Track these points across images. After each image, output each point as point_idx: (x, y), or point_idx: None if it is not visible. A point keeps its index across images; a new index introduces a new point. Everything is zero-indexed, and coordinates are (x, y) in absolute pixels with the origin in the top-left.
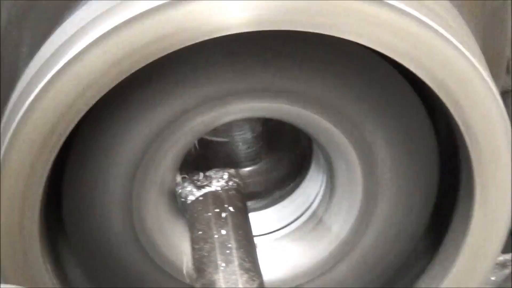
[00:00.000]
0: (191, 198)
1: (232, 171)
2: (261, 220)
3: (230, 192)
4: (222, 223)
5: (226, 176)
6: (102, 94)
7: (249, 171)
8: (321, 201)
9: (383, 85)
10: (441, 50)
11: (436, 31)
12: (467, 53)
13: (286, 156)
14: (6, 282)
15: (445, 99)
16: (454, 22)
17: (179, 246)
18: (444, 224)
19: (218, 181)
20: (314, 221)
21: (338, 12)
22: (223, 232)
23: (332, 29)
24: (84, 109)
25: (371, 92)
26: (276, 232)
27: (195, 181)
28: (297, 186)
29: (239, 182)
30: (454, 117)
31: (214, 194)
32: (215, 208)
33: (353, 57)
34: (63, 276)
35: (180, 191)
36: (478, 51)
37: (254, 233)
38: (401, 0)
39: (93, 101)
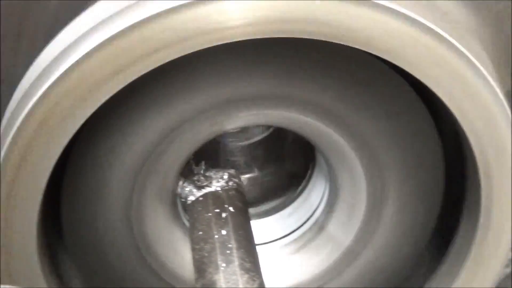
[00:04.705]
0: (191, 198)
1: (232, 171)
2: (263, 228)
3: (230, 192)
4: (222, 223)
5: (226, 176)
6: (104, 99)
7: (251, 178)
8: (324, 209)
9: (388, 92)
10: (445, 56)
11: (440, 37)
12: (472, 57)
13: (288, 163)
14: (5, 283)
15: (450, 105)
16: (456, 24)
17: (179, 253)
18: (450, 227)
19: (218, 181)
20: (318, 229)
21: (345, 20)
22: (224, 232)
23: (337, 38)
24: (85, 115)
25: (375, 99)
26: (279, 241)
27: (195, 182)
28: (300, 193)
29: (239, 182)
30: (458, 121)
31: (214, 194)
32: (215, 208)
33: (356, 63)
34: (60, 278)
35: (180, 191)
36: (483, 54)
37: (257, 241)
38: (400, 3)
39: (95, 107)
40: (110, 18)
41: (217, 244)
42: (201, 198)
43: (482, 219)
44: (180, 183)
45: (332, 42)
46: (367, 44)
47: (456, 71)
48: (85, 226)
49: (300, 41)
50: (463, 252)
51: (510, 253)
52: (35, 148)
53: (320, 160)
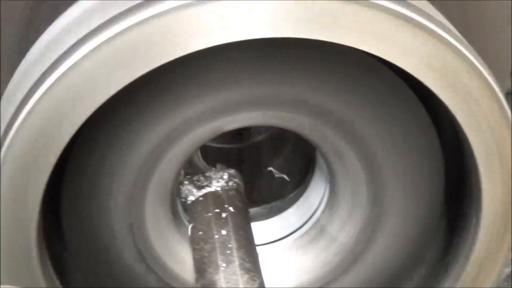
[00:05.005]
0: (191, 198)
1: (232, 171)
2: (264, 229)
3: (230, 192)
4: (222, 223)
5: (226, 176)
6: (104, 100)
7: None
8: (324, 209)
9: (387, 93)
10: (445, 56)
11: (440, 37)
12: (471, 57)
13: (288, 164)
14: (5, 283)
15: (449, 105)
16: (448, 23)
17: (179, 254)
18: (450, 228)
19: (218, 181)
20: (318, 230)
21: (345, 19)
22: (224, 232)
23: (338, 37)
24: (85, 115)
25: (374, 100)
26: (280, 242)
27: (195, 182)
28: (300, 194)
29: (239, 182)
30: (458, 121)
31: (214, 194)
32: (215, 209)
33: (355, 64)
34: (60, 278)
35: (180, 192)
36: (475, 52)
37: (257, 242)
38: (399, 3)
39: (95, 107)
40: (110, 18)
41: (217, 244)
42: (201, 198)
43: (482, 220)
44: (180, 183)
45: (332, 43)
46: (367, 44)
47: (456, 71)
48: (85, 226)
49: (300, 41)
50: (463, 253)
51: (510, 253)
52: (35, 147)
53: (320, 160)
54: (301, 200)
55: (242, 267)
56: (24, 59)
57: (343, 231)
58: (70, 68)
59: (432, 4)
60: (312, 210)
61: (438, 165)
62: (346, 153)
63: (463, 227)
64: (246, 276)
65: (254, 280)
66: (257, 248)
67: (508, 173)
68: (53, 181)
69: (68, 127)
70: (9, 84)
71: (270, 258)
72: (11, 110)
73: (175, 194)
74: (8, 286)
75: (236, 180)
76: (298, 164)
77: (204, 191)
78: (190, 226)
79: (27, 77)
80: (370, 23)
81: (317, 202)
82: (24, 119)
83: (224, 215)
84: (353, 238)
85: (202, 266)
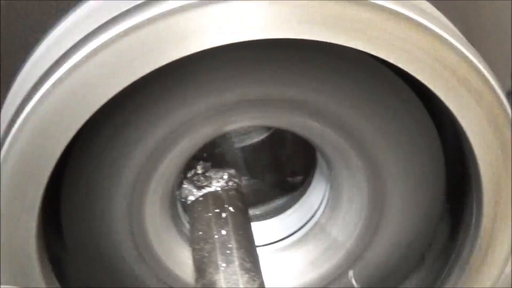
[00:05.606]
0: (191, 198)
1: (232, 171)
2: (264, 229)
3: (230, 193)
4: (222, 223)
5: (226, 176)
6: (105, 100)
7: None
8: (324, 210)
9: (387, 94)
10: (446, 57)
11: (441, 38)
12: (472, 58)
13: (289, 164)
14: (5, 283)
15: (450, 105)
16: (448, 23)
17: (179, 254)
18: (451, 228)
19: (218, 181)
20: (318, 230)
21: (344, 21)
22: (224, 232)
23: (338, 38)
24: (85, 115)
25: (375, 101)
26: (280, 242)
27: (195, 182)
28: (300, 195)
29: (239, 182)
30: (459, 121)
31: (214, 194)
32: (215, 209)
33: (357, 65)
34: (60, 278)
35: (180, 192)
36: (476, 52)
37: (257, 243)
38: (399, 3)
39: (95, 108)
40: (111, 18)
41: (217, 244)
42: (201, 198)
43: (483, 219)
44: (180, 183)
45: (333, 44)
46: (367, 45)
47: (457, 72)
48: (85, 226)
49: (301, 42)
50: (463, 252)
51: (510, 253)
52: (35, 148)
53: (320, 161)
54: (302, 200)
55: (242, 267)
56: (27, 60)
57: (343, 232)
58: (71, 69)
59: (432, 4)
60: (313, 211)
61: (439, 165)
62: (347, 154)
63: (463, 227)
64: (246, 276)
65: (254, 280)
66: (258, 248)
67: (509, 172)
68: (53, 182)
69: (68, 128)
70: (12, 85)
71: (270, 259)
72: (12, 110)
73: (175, 194)
74: (8, 286)
75: (236, 180)
76: (298, 164)
77: (204, 191)
78: (190, 226)
79: (28, 78)
80: (370, 24)
81: (317, 202)
82: (25, 119)
83: (224, 215)
84: (353, 238)
85: (202, 266)
